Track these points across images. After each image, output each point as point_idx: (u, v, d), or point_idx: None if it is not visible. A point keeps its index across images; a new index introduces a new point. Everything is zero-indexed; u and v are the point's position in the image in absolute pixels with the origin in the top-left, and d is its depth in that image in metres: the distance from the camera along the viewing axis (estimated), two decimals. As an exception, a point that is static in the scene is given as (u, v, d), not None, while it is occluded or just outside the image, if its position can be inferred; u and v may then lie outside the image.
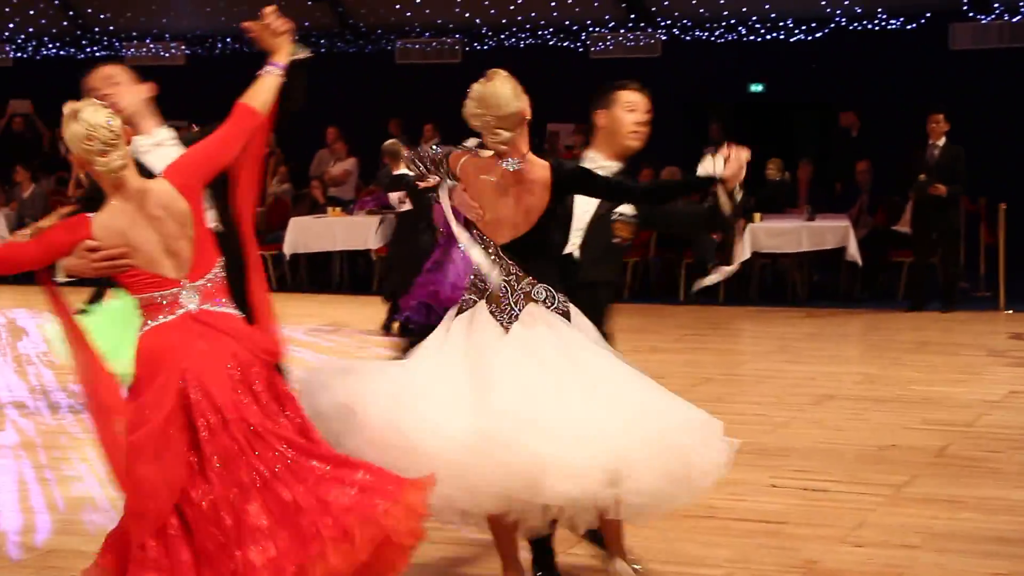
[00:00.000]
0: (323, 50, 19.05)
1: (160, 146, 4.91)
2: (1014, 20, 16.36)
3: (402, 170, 11.73)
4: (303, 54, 4.90)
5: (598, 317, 4.84)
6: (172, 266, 4.17)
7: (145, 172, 4.41)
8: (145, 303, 4.20)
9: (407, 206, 11.47)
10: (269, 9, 4.80)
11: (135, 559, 4.07)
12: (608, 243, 5.05)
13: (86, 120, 4.13)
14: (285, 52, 4.80)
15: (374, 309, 13.59)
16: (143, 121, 5.04)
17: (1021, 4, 16.25)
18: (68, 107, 4.16)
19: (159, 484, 4.04)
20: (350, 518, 4.04)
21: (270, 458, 4.09)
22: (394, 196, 12.03)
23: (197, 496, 4.05)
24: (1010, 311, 12.77)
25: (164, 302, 4.16)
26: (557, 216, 4.69)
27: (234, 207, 4.53)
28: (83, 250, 4.20)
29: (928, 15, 16.48)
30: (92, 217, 4.19)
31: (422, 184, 11.29)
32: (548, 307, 4.60)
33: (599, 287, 5.04)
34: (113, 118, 4.18)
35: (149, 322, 4.19)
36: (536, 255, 4.64)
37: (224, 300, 4.25)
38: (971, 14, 16.42)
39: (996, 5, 16.39)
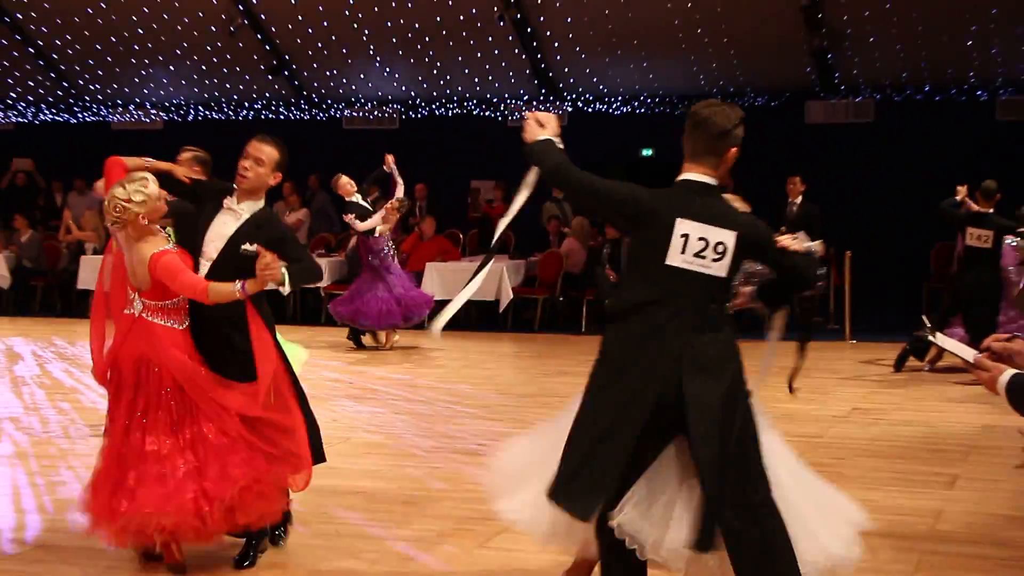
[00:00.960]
0: (281, 116, 19.00)
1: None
2: (857, 100, 16.71)
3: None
4: (284, 288, 5.01)
5: None
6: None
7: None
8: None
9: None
10: (270, 258, 4.89)
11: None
12: None
13: (114, 192, 5.03)
14: (257, 284, 4.98)
15: (324, 336, 13.50)
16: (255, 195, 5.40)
17: (862, 87, 16.59)
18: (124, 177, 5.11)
19: None
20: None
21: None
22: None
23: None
24: (854, 341, 12.96)
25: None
26: None
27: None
28: None
29: (787, 94, 16.78)
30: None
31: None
32: None
33: None
34: (137, 194, 5.01)
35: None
36: None
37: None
38: (822, 94, 16.74)
39: (842, 88, 16.73)
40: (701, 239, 3.99)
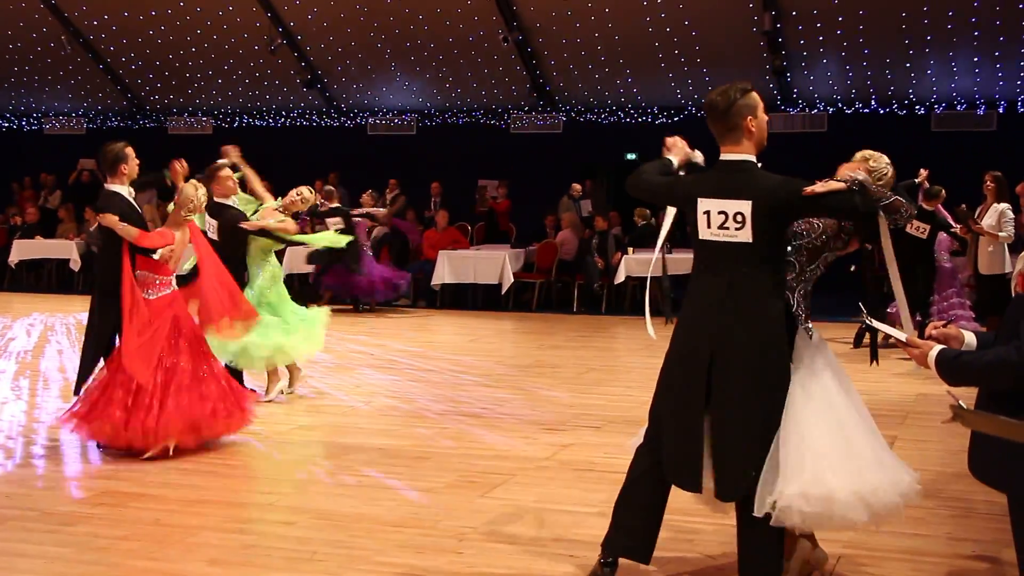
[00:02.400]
0: (314, 123, 18.94)
1: None
2: (812, 112, 16.64)
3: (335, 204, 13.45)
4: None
5: None
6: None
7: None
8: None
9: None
10: None
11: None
12: None
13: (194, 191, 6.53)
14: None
15: (350, 315, 13.49)
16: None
17: (817, 101, 16.53)
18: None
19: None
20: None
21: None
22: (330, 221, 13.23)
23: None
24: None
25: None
26: None
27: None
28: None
29: (752, 107, 16.69)
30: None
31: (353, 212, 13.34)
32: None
33: None
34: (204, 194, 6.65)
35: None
36: None
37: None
38: (782, 107, 16.67)
39: (800, 102, 16.66)
40: (721, 212, 3.90)
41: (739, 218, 3.87)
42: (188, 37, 17.75)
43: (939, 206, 10.95)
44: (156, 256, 6.24)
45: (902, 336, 3.54)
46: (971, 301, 11.39)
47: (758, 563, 3.89)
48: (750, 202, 3.86)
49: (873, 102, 16.34)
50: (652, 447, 4.12)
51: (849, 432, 3.92)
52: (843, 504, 3.79)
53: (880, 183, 4.17)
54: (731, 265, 3.90)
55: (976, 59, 15.34)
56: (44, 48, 18.46)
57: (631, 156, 17.50)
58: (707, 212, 3.91)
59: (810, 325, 4.08)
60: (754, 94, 4.05)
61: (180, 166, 6.97)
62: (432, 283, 14.69)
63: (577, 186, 16.28)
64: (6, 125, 20.62)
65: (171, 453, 6.12)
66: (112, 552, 4.63)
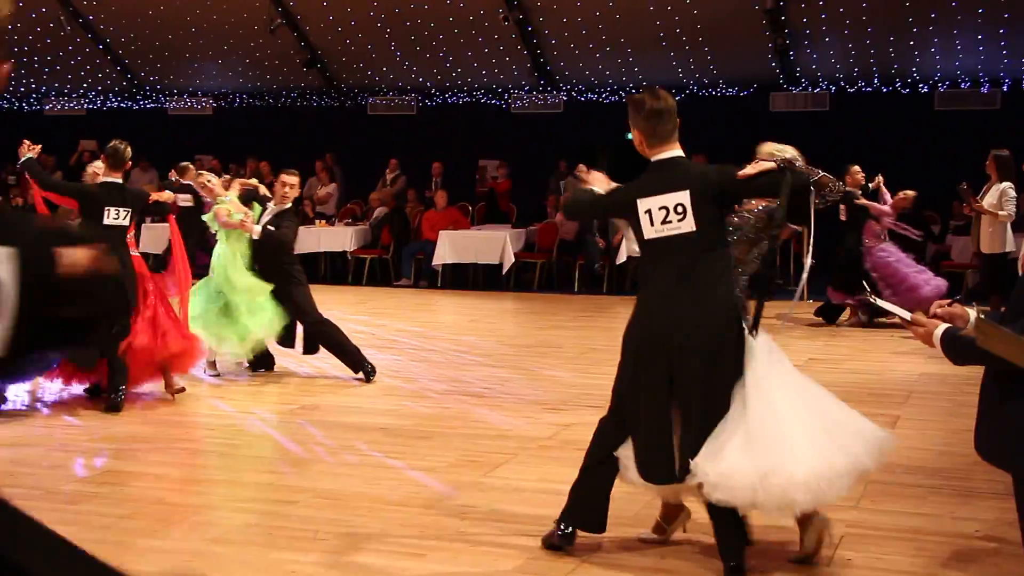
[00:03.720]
0: (314, 103, 18.88)
1: None
2: (815, 91, 16.57)
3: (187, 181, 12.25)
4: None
5: None
6: None
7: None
8: None
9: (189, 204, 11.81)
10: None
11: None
12: None
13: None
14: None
15: (352, 295, 13.49)
16: None
17: (820, 80, 16.46)
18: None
19: None
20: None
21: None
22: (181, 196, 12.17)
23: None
24: (811, 300, 12.88)
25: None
26: None
27: None
28: None
29: (754, 86, 16.64)
30: None
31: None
32: None
33: None
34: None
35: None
36: None
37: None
38: (785, 86, 16.61)
39: (803, 80, 16.59)
40: (662, 208, 4.01)
41: (680, 209, 3.97)
42: (188, 17, 17.66)
43: (882, 192, 11.02)
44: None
45: (906, 315, 3.52)
46: (974, 282, 11.37)
47: (731, 539, 4.03)
48: (688, 191, 3.99)
49: (876, 80, 16.27)
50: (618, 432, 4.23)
51: (805, 414, 3.98)
52: (798, 486, 3.80)
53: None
54: (678, 257, 4.02)
55: (980, 36, 15.25)
56: (44, 29, 18.38)
57: (630, 136, 17.44)
58: (648, 211, 4.03)
59: (748, 317, 4.17)
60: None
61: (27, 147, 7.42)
62: (433, 263, 14.68)
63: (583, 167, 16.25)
64: (6, 106, 20.56)
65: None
66: (116, 530, 4.64)
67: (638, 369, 4.12)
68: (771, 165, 4.02)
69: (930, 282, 10.74)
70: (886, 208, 11.03)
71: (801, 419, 3.94)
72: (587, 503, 4.31)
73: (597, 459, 4.29)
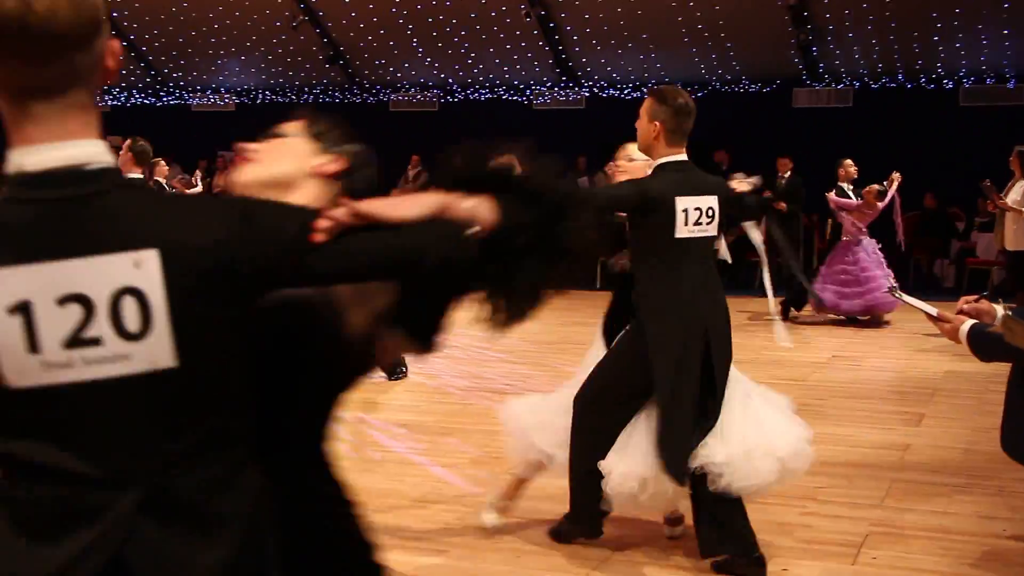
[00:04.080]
0: (336, 100, 18.92)
1: None
2: (838, 87, 16.47)
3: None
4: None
5: None
6: None
7: None
8: None
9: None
10: None
11: None
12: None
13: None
14: None
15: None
16: None
17: (843, 75, 16.36)
18: None
19: None
20: None
21: None
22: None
23: None
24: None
25: None
26: None
27: None
28: None
29: (777, 82, 16.55)
30: None
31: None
32: None
33: None
34: None
35: None
36: None
37: None
38: (808, 82, 16.51)
39: (826, 76, 16.49)
40: (696, 209, 4.10)
41: (710, 212, 4.12)
42: (210, 14, 17.75)
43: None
44: None
45: (933, 311, 3.49)
46: (999, 279, 11.25)
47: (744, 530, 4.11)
48: (716, 197, 4.15)
49: (900, 76, 16.15)
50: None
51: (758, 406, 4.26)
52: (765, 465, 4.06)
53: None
54: (702, 256, 4.17)
55: (1006, 31, 15.12)
56: (67, 25, 18.51)
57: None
58: (685, 210, 4.08)
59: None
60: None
61: None
62: (455, 260, 14.70)
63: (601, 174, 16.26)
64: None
65: None
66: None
67: (685, 353, 4.06)
68: (754, 184, 4.45)
69: (875, 292, 10.45)
70: (848, 201, 11.06)
71: (764, 404, 4.29)
72: (584, 511, 4.36)
73: (587, 469, 4.25)
